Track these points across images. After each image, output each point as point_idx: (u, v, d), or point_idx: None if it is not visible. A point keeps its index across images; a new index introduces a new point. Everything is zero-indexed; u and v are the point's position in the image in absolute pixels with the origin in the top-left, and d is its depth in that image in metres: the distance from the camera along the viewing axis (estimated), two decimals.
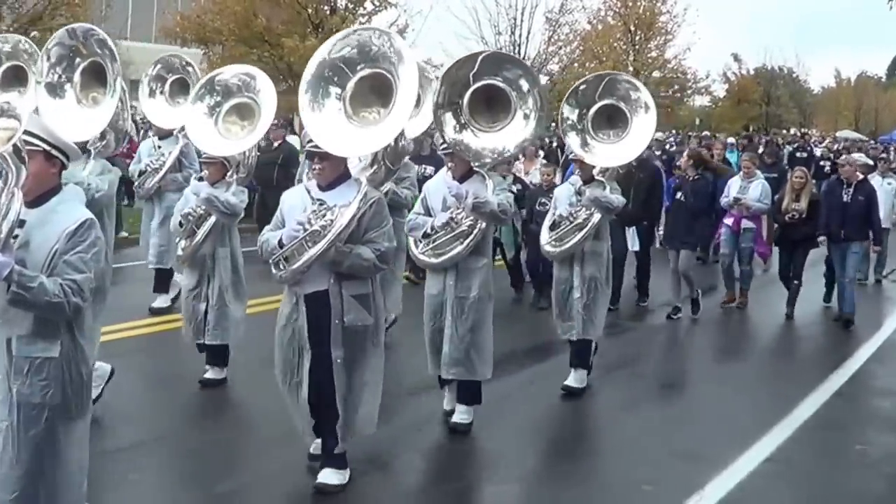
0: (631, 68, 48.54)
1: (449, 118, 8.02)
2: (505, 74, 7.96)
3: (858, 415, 9.73)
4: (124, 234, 17.57)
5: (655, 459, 7.84)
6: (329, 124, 6.71)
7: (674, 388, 10.56)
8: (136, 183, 11.98)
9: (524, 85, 7.94)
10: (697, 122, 58.44)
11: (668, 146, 26.62)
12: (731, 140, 29.61)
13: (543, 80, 45.63)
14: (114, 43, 7.81)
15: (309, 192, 6.75)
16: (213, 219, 8.76)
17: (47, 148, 4.96)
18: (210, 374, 9.19)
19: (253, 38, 35.31)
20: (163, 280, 12.18)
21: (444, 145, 8.24)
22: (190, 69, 11.60)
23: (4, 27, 27.01)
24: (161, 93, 11.52)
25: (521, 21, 43.12)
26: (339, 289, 6.65)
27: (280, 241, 6.61)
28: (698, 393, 10.28)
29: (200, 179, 8.96)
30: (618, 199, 9.31)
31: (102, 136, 7.90)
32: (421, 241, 8.20)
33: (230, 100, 8.82)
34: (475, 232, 7.96)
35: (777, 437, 8.45)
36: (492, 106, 8.04)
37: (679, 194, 13.53)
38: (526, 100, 7.92)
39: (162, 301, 12.18)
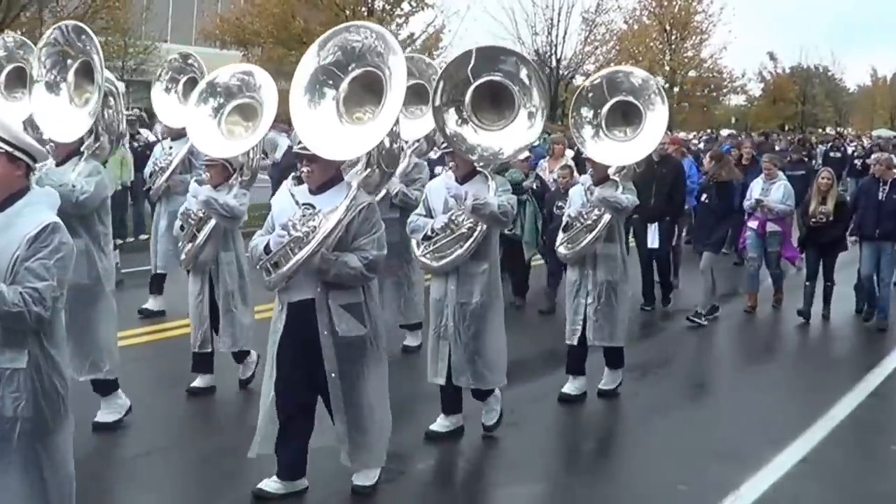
0: (667, 67, 48.26)
1: (451, 114, 7.63)
2: (503, 68, 7.55)
3: (894, 415, 9.56)
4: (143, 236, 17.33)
5: (690, 460, 7.72)
6: (319, 125, 6.36)
7: (706, 388, 10.43)
8: (147, 185, 11.65)
9: (524, 76, 7.53)
10: (733, 121, 57.69)
11: (693, 145, 25.92)
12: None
13: (580, 79, 45.35)
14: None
15: (293, 195, 6.37)
16: (213, 222, 8.41)
17: (9, 149, 4.63)
18: (197, 381, 8.84)
19: (291, 39, 34.96)
20: (159, 282, 11.77)
21: (445, 144, 7.90)
22: (192, 62, 11.27)
23: (46, 31, 26.91)
24: (175, 91, 11.21)
25: (558, 21, 42.85)
26: (326, 299, 6.26)
27: (267, 247, 6.27)
28: (731, 393, 10.00)
29: (200, 182, 8.60)
30: (628, 199, 8.86)
31: (96, 137, 7.59)
32: (422, 244, 7.81)
33: (232, 101, 8.51)
34: (476, 234, 7.54)
35: (812, 438, 8.28)
36: (496, 103, 7.63)
37: (704, 196, 13.10)
38: (530, 93, 7.50)
39: (154, 303, 11.78)
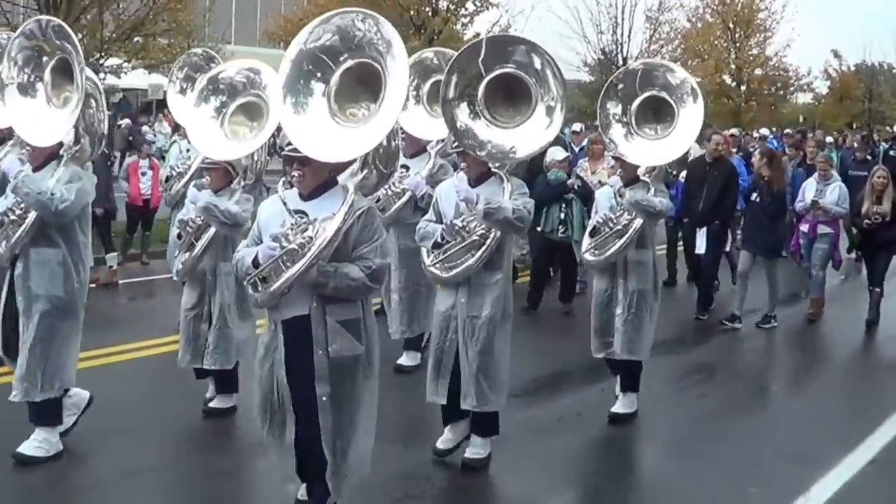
0: (733, 66, 47.00)
1: (463, 108, 6.86)
2: (516, 59, 6.76)
3: None
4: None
5: (758, 461, 7.46)
6: (310, 124, 5.54)
7: (771, 390, 10.08)
8: (162, 189, 10.92)
9: (538, 65, 6.73)
10: (801, 119, 56.02)
11: (744, 142, 24.61)
12: (829, 139, 27.51)
13: None
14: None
15: (285, 203, 5.57)
16: (212, 230, 7.63)
17: None
18: (216, 402, 8.03)
19: None
20: None
21: (456, 143, 7.13)
22: (213, 64, 10.53)
23: (108, 33, 26.61)
24: (191, 91, 10.42)
25: (622, 20, 41.77)
26: (323, 314, 5.47)
27: (256, 260, 5.49)
28: (797, 395, 9.69)
29: (200, 187, 7.81)
30: (661, 202, 7.97)
31: (77, 139, 6.87)
32: (431, 253, 7.01)
33: (236, 99, 7.72)
34: (488, 242, 6.73)
35: (881, 439, 8.08)
36: (512, 98, 6.85)
37: (755, 195, 12.14)
38: (546, 84, 6.70)
39: None
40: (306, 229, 5.37)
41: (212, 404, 8.05)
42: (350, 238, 5.45)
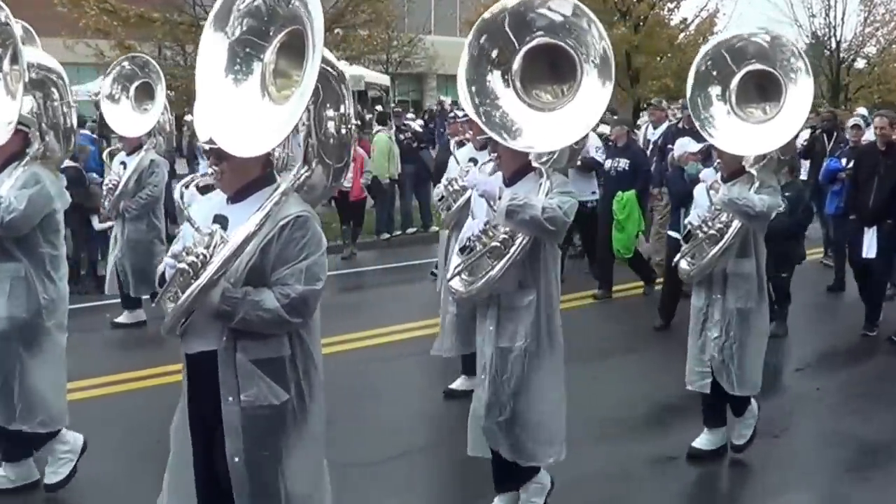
0: None
1: (497, 77, 5.20)
2: (541, 23, 5.10)
3: None
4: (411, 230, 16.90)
5: None
6: (230, 106, 3.95)
7: None
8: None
9: (579, 22, 5.06)
10: None
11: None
12: None
13: (861, 63, 40.60)
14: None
15: (182, 208, 4.06)
16: None
17: None
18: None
19: None
20: None
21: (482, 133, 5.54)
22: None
23: None
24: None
25: (835, 1, 38.23)
26: (234, 351, 3.93)
27: (163, 276, 4.02)
28: None
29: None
30: (763, 200, 6.04)
31: (41, 136, 5.62)
32: (459, 258, 5.32)
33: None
34: (513, 249, 5.03)
35: None
36: (554, 74, 5.18)
37: None
38: (585, 45, 5.04)
39: None
40: (210, 239, 3.88)
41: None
42: (269, 254, 3.90)
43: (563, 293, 5.65)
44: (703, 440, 6.63)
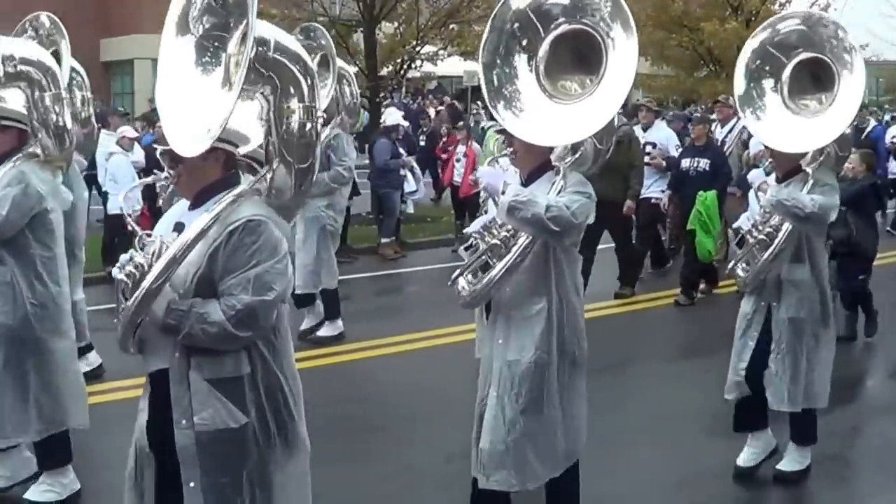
0: None
1: (523, 62, 4.78)
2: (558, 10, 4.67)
3: None
4: None
5: None
6: (188, 105, 3.59)
7: None
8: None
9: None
10: None
11: None
12: None
13: None
14: None
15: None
16: None
17: None
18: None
19: (671, 22, 31.63)
20: (330, 303, 9.30)
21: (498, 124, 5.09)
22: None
23: (423, 21, 25.85)
24: None
25: None
26: (187, 368, 3.55)
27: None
28: None
29: None
30: (814, 201, 5.46)
31: (33, 133, 5.34)
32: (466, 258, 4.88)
33: None
34: (515, 250, 4.52)
35: None
36: (580, 63, 4.73)
37: None
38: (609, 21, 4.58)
39: (330, 329, 9.28)
40: (151, 246, 3.55)
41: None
42: (217, 262, 3.51)
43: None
44: (745, 455, 6.08)
